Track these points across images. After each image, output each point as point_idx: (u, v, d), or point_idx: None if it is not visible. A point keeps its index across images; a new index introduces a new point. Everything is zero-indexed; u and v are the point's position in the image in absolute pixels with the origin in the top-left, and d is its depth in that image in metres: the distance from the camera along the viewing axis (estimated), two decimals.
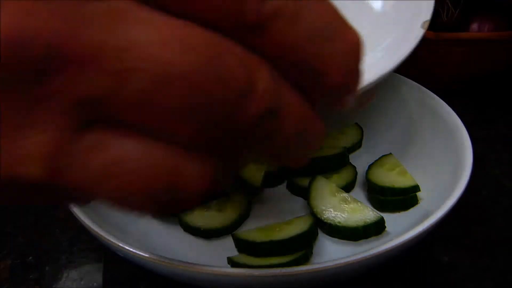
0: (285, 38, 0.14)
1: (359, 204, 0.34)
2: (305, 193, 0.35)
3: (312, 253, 0.31)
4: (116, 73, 0.12)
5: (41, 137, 0.12)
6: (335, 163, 0.38)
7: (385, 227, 0.32)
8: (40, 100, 0.12)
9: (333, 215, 0.33)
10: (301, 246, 0.31)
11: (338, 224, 0.32)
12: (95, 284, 0.31)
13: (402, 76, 0.42)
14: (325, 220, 0.33)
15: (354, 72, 0.16)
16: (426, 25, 0.36)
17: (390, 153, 0.39)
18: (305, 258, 0.31)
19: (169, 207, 0.15)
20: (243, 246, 0.31)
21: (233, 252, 0.32)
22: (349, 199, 0.34)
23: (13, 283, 0.32)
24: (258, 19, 0.13)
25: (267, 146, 0.15)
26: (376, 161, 0.38)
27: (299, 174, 0.37)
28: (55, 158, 0.13)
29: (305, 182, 0.36)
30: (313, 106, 0.16)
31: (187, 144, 0.14)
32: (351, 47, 0.15)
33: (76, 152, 0.13)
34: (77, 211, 0.29)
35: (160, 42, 0.12)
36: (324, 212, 0.33)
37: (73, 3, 0.12)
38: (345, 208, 0.33)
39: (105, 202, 0.14)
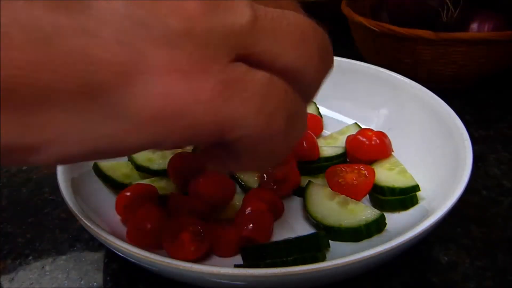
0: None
1: (357, 204, 0.33)
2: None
3: (325, 257, 0.30)
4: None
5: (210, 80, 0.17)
6: (335, 163, 0.38)
7: (386, 223, 0.32)
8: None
9: (334, 219, 0.33)
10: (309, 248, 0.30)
11: (340, 227, 0.32)
12: (95, 284, 0.31)
13: (402, 76, 0.42)
14: (329, 226, 0.32)
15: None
16: None
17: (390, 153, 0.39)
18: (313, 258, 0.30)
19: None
20: (251, 253, 0.30)
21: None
22: (346, 200, 0.34)
23: (13, 283, 0.32)
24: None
25: None
26: (376, 161, 0.38)
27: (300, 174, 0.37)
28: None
29: (305, 182, 0.36)
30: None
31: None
32: None
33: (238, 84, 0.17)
34: (76, 211, 0.29)
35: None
36: (325, 218, 0.33)
37: None
38: (344, 210, 0.33)
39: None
